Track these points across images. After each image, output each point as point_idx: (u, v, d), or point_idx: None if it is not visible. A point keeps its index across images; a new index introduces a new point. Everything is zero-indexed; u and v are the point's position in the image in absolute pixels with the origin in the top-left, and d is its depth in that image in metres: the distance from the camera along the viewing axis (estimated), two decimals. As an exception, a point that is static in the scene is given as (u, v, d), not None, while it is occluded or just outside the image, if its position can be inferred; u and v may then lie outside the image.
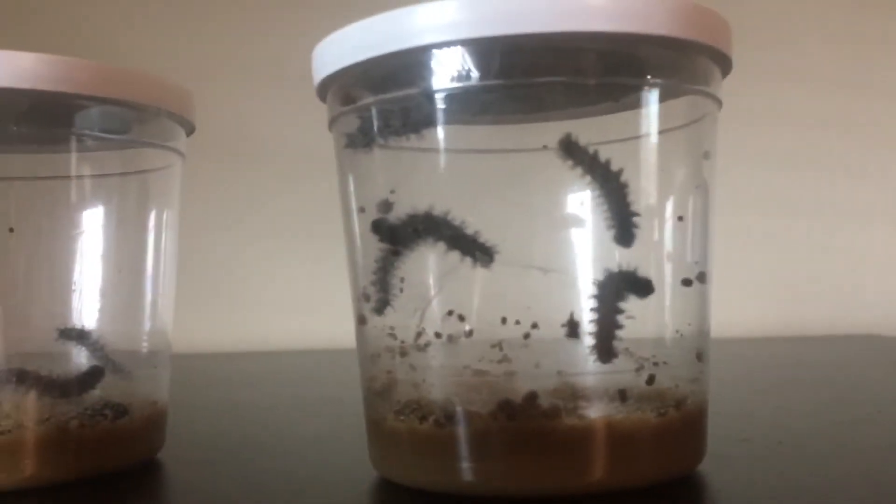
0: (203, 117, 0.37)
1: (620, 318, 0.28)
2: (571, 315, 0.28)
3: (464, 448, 0.28)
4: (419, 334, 0.29)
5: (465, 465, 0.28)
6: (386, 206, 0.30)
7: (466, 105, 0.29)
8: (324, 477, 0.32)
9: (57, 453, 0.31)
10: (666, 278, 0.29)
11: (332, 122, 0.32)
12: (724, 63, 0.30)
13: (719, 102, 0.31)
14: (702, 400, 0.30)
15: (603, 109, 0.30)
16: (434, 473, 0.29)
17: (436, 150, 0.29)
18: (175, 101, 0.34)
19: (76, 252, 0.34)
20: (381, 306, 0.30)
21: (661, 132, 0.29)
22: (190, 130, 0.37)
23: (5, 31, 0.82)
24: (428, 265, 0.30)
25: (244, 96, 0.86)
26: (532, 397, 0.28)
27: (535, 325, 0.29)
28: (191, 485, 0.33)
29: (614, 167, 0.28)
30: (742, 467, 0.32)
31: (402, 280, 0.30)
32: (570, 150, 0.29)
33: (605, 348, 0.28)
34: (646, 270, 0.29)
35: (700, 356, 0.30)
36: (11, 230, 0.34)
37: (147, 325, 0.36)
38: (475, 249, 0.29)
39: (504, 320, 0.29)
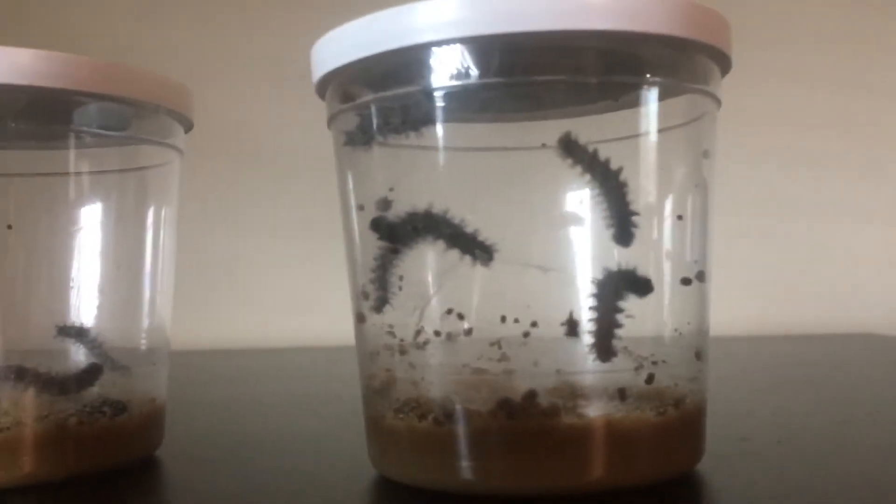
0: (202, 114, 0.37)
1: (620, 317, 0.28)
2: (571, 314, 0.28)
3: (463, 446, 0.28)
4: (418, 332, 0.29)
5: (464, 464, 0.28)
6: (385, 203, 0.30)
7: (466, 103, 0.29)
8: (322, 475, 0.32)
9: (55, 450, 0.31)
10: (665, 277, 0.29)
11: (332, 120, 0.32)
12: (723, 62, 0.30)
13: (719, 101, 0.31)
14: (701, 399, 0.30)
15: (602, 108, 0.30)
16: (433, 472, 0.28)
17: (435, 148, 0.29)
18: (173, 98, 0.34)
19: (75, 249, 0.34)
20: (381, 304, 0.30)
21: (660, 131, 0.29)
22: (188, 127, 0.37)
23: (4, 27, 0.82)
24: (427, 263, 0.30)
25: (243, 93, 0.86)
26: (531, 396, 0.28)
27: (534, 324, 0.29)
28: (189, 482, 0.33)
29: (614, 166, 0.28)
30: (741, 466, 0.32)
31: (401, 278, 0.30)
32: (570, 148, 0.29)
33: (605, 347, 0.28)
34: (645, 269, 0.29)
35: (699, 355, 0.30)
36: (10, 227, 0.33)
37: (146, 322, 0.36)
38: (474, 248, 0.29)
39: (503, 319, 0.29)
